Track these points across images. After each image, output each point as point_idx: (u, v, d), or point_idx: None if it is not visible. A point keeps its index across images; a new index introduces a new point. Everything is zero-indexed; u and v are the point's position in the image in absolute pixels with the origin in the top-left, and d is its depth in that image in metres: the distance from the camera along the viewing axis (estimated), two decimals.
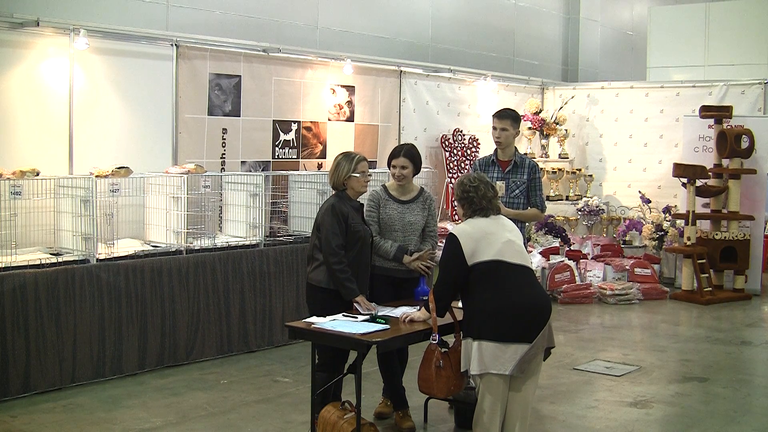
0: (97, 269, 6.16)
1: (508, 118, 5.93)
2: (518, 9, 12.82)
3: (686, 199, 9.78)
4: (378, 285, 5.40)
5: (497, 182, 5.74)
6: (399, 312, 4.97)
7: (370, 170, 5.39)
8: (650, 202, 10.93)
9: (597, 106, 11.80)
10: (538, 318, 4.37)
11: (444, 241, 4.56)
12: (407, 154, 5.47)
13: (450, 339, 4.77)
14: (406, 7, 10.83)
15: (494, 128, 5.96)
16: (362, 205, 5.32)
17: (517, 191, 5.90)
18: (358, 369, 4.57)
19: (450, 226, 9.37)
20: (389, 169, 5.55)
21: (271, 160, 8.42)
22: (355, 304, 5.01)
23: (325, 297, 5.06)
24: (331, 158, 5.36)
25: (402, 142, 5.93)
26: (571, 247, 10.25)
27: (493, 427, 4.41)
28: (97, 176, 6.30)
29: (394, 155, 5.49)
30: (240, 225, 7.37)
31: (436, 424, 5.49)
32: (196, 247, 6.90)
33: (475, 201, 4.56)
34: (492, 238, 4.44)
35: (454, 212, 10.08)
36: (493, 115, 6.03)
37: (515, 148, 6.04)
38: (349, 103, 9.25)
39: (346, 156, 5.20)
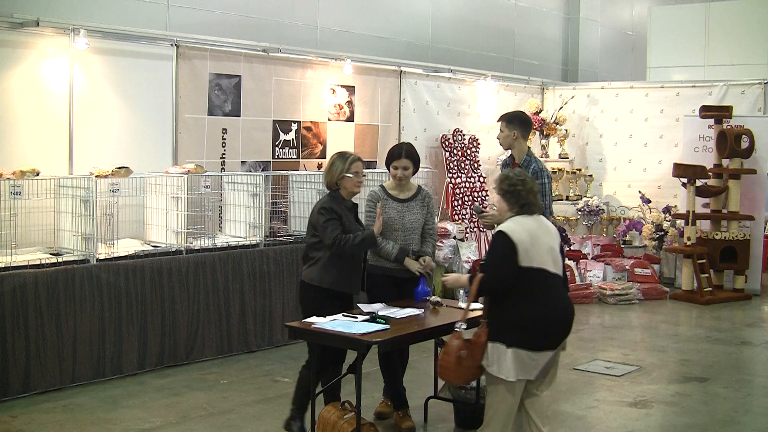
0: (97, 269, 6.16)
1: (502, 120, 5.89)
2: (518, 9, 12.82)
3: (686, 199, 9.78)
4: (378, 285, 5.41)
5: None
6: (407, 312, 4.98)
7: (370, 170, 5.42)
8: (650, 202, 10.92)
9: (597, 106, 11.80)
10: (567, 327, 4.37)
11: (492, 238, 4.38)
12: (408, 154, 5.48)
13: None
14: (406, 7, 10.83)
15: None
16: (355, 205, 5.30)
17: None
18: (358, 369, 4.56)
19: (450, 226, 9.38)
20: (389, 169, 5.56)
21: (271, 160, 8.42)
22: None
23: (317, 296, 5.04)
24: None
25: (401, 142, 5.90)
26: (571, 247, 10.25)
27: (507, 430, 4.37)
28: (97, 176, 6.31)
29: (395, 156, 5.48)
30: (240, 225, 7.37)
31: (436, 424, 5.49)
32: (196, 247, 6.90)
33: (522, 195, 4.39)
34: (538, 243, 4.31)
35: (454, 212, 10.07)
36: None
37: (528, 148, 5.87)
38: (349, 103, 9.24)
39: (341, 156, 5.19)
